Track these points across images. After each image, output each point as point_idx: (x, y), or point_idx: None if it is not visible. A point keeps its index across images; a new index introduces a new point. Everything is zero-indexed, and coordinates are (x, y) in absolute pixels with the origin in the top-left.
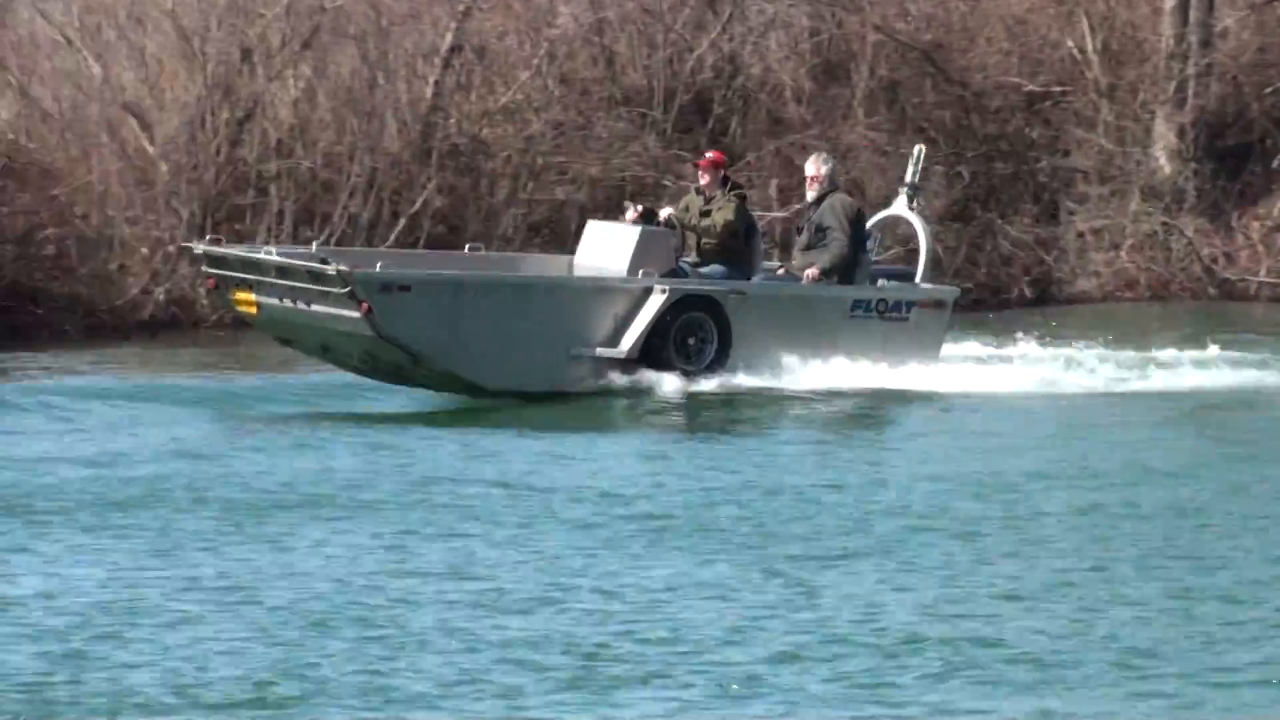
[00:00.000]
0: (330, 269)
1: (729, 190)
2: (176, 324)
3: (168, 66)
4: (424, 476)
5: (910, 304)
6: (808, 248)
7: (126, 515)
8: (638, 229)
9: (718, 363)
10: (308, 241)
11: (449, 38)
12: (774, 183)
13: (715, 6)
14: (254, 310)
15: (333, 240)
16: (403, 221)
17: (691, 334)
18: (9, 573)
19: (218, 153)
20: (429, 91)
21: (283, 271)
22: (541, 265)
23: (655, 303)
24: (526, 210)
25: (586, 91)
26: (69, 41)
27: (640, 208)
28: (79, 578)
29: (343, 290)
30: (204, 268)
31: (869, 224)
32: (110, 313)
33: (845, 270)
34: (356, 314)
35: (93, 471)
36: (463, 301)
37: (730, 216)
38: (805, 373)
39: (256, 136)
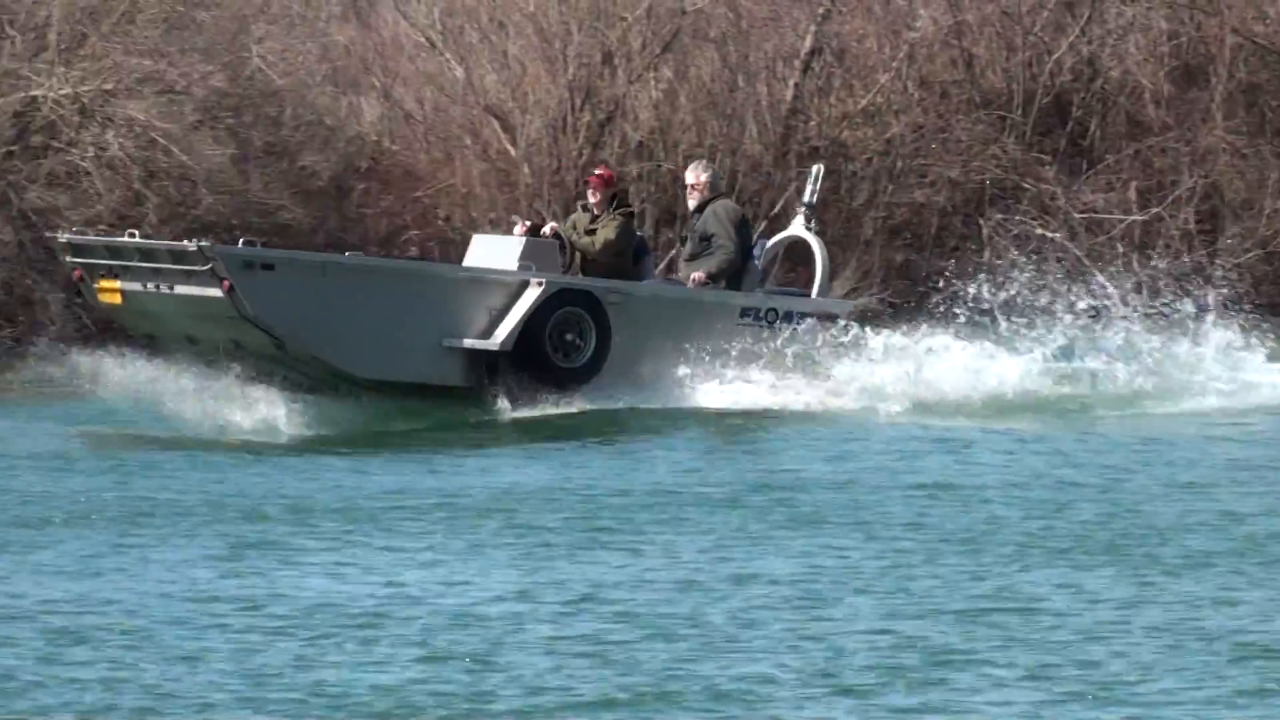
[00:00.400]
0: (190, 245)
1: (616, 209)
2: None
3: (530, 69)
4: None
5: (802, 315)
6: (693, 257)
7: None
8: (524, 239)
9: (594, 364)
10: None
11: (808, 40)
12: (1133, 185)
13: (1074, 9)
14: (118, 299)
15: None
16: (763, 224)
17: (569, 329)
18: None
19: (579, 155)
20: (789, 94)
21: (145, 254)
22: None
23: (531, 295)
24: (886, 214)
25: (945, 94)
26: (432, 45)
27: (528, 223)
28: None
29: (204, 268)
30: (68, 258)
31: (769, 244)
32: None
33: (732, 276)
34: (218, 292)
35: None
36: (330, 284)
37: (612, 236)
38: (689, 380)
39: (617, 139)
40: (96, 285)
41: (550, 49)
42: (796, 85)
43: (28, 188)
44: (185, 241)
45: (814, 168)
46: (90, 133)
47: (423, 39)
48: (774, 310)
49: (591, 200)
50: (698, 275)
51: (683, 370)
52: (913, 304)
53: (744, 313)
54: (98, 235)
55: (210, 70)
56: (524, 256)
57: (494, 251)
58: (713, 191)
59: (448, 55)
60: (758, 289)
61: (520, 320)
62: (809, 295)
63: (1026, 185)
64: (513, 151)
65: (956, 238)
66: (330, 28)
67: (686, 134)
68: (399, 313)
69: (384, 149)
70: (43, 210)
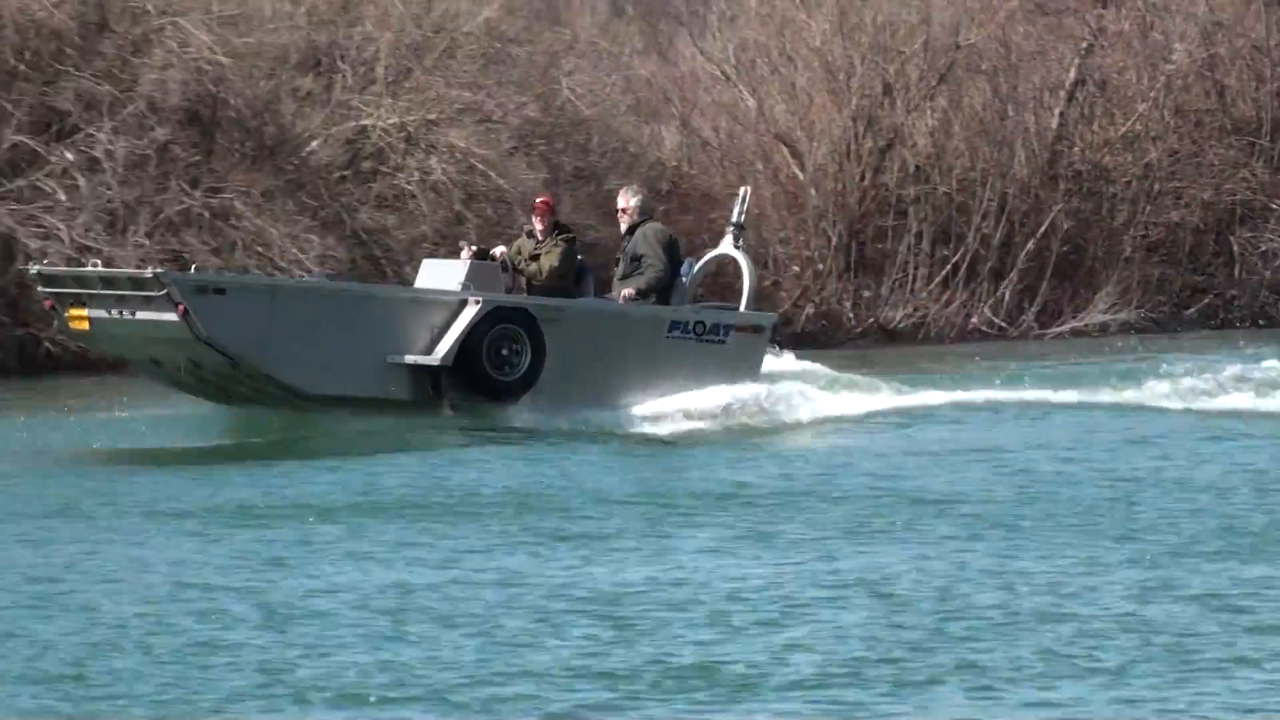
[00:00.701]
0: (147, 273)
1: (558, 235)
2: (823, 335)
3: (816, 100)
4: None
5: (729, 327)
6: (624, 276)
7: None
8: (468, 263)
9: (529, 378)
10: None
11: (1072, 72)
12: None
13: None
14: (86, 325)
15: (967, 258)
16: (1031, 243)
17: (505, 345)
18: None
19: (862, 179)
20: (1054, 122)
21: (108, 282)
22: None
23: (469, 313)
24: (1144, 232)
25: (1199, 122)
26: (726, 77)
27: (474, 247)
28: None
29: (160, 294)
30: (40, 288)
31: (699, 264)
32: None
33: (662, 293)
34: (174, 316)
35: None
36: (278, 306)
37: (555, 262)
38: (620, 391)
39: (896, 164)
40: (66, 314)
41: (835, 81)
42: (1061, 114)
43: (359, 209)
44: (142, 270)
45: (742, 190)
46: (415, 159)
47: (718, 72)
48: (701, 323)
49: (537, 227)
50: (628, 292)
51: (612, 380)
52: (1168, 316)
53: (673, 325)
54: (84, 266)
55: (524, 101)
56: (467, 278)
57: (440, 274)
58: (642, 215)
59: (741, 87)
60: (686, 304)
61: (459, 336)
62: (737, 309)
63: (1274, 205)
64: (801, 176)
65: (1209, 254)
66: (633, 62)
67: (960, 159)
68: (345, 332)
69: (683, 174)
70: (373, 230)
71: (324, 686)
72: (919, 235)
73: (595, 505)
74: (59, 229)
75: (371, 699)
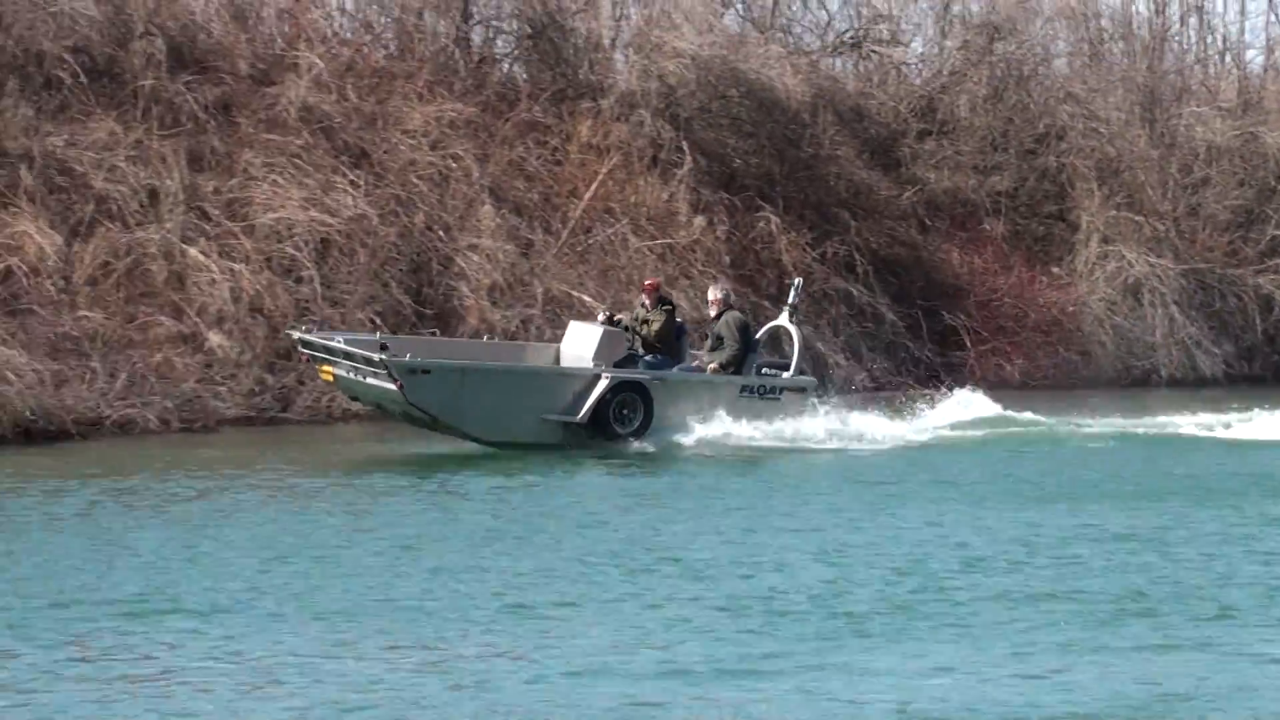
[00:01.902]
0: (375, 356)
1: (661, 307)
2: None
3: None
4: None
5: (781, 389)
6: (711, 350)
7: None
8: (601, 329)
9: (643, 428)
10: None
11: None
12: None
13: None
14: (331, 378)
15: None
16: None
17: (626, 407)
18: None
19: None
20: None
21: (347, 355)
22: (537, 350)
23: (601, 385)
24: None
25: None
26: None
27: (606, 313)
28: None
29: (384, 372)
30: (299, 348)
31: (761, 331)
32: None
33: (737, 365)
34: (393, 387)
35: None
36: (467, 381)
37: (659, 329)
38: (707, 434)
39: None
40: (318, 367)
41: None
42: None
43: None
44: (372, 354)
45: (796, 280)
46: None
47: None
48: (763, 386)
49: (645, 300)
50: (713, 365)
51: (701, 427)
52: None
53: (744, 389)
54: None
55: None
56: (600, 343)
57: (581, 335)
58: (726, 305)
59: None
60: (753, 369)
61: (594, 402)
62: (789, 372)
63: None
64: None
65: None
66: None
67: None
68: (512, 397)
69: None
70: None
71: None
72: None
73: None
74: None
75: None
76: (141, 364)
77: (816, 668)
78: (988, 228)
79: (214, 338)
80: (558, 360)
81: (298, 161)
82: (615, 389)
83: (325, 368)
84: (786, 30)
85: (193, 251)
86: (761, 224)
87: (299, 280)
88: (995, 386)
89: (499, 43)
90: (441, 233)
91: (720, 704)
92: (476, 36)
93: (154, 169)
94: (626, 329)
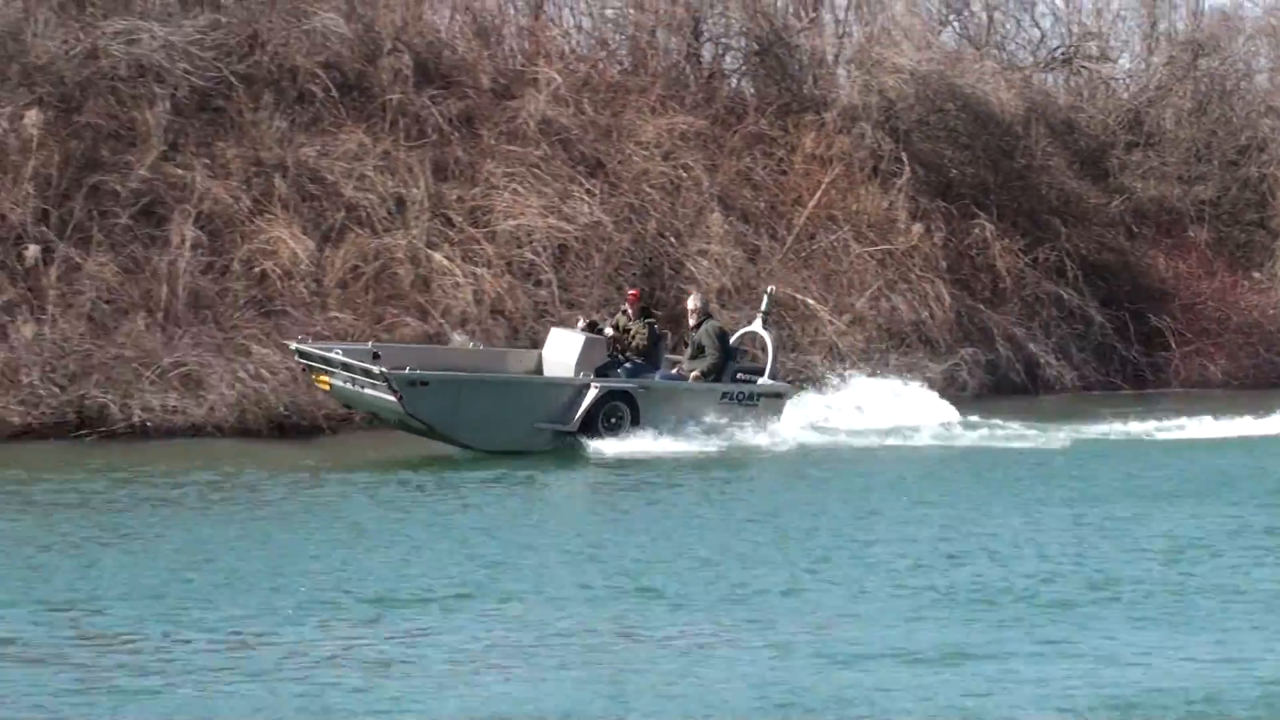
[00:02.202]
0: (375, 369)
1: (644, 320)
2: None
3: None
4: None
5: (759, 395)
6: (692, 358)
7: None
8: (583, 337)
9: (630, 432)
10: None
11: None
12: None
13: None
14: (327, 387)
15: None
16: None
17: (614, 414)
18: None
19: None
20: None
21: (346, 367)
22: (519, 356)
23: (591, 394)
24: None
25: None
26: None
27: (585, 321)
28: None
29: (384, 384)
30: (296, 359)
31: (736, 335)
32: None
33: (718, 374)
34: (393, 399)
35: None
36: (464, 392)
37: (642, 342)
38: (690, 437)
39: None
40: (315, 377)
41: None
42: None
43: None
44: (370, 366)
45: (769, 288)
46: None
47: None
48: (743, 393)
49: (630, 311)
50: (695, 374)
51: (684, 431)
52: None
53: (724, 395)
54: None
55: None
56: (582, 351)
57: (563, 343)
58: (704, 315)
59: None
60: (732, 376)
61: (585, 410)
62: (764, 377)
63: None
64: None
65: None
66: None
67: None
68: (506, 407)
69: None
70: None
71: None
72: None
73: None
74: None
75: None
76: None
77: (1061, 652)
78: (1192, 234)
79: (457, 338)
80: (540, 366)
81: (536, 171)
82: (605, 397)
83: (322, 378)
84: (1001, 47)
85: (437, 256)
86: (976, 231)
87: (537, 283)
88: (1198, 386)
89: (728, 59)
90: (672, 239)
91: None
92: (706, 53)
93: (401, 178)
94: (614, 329)
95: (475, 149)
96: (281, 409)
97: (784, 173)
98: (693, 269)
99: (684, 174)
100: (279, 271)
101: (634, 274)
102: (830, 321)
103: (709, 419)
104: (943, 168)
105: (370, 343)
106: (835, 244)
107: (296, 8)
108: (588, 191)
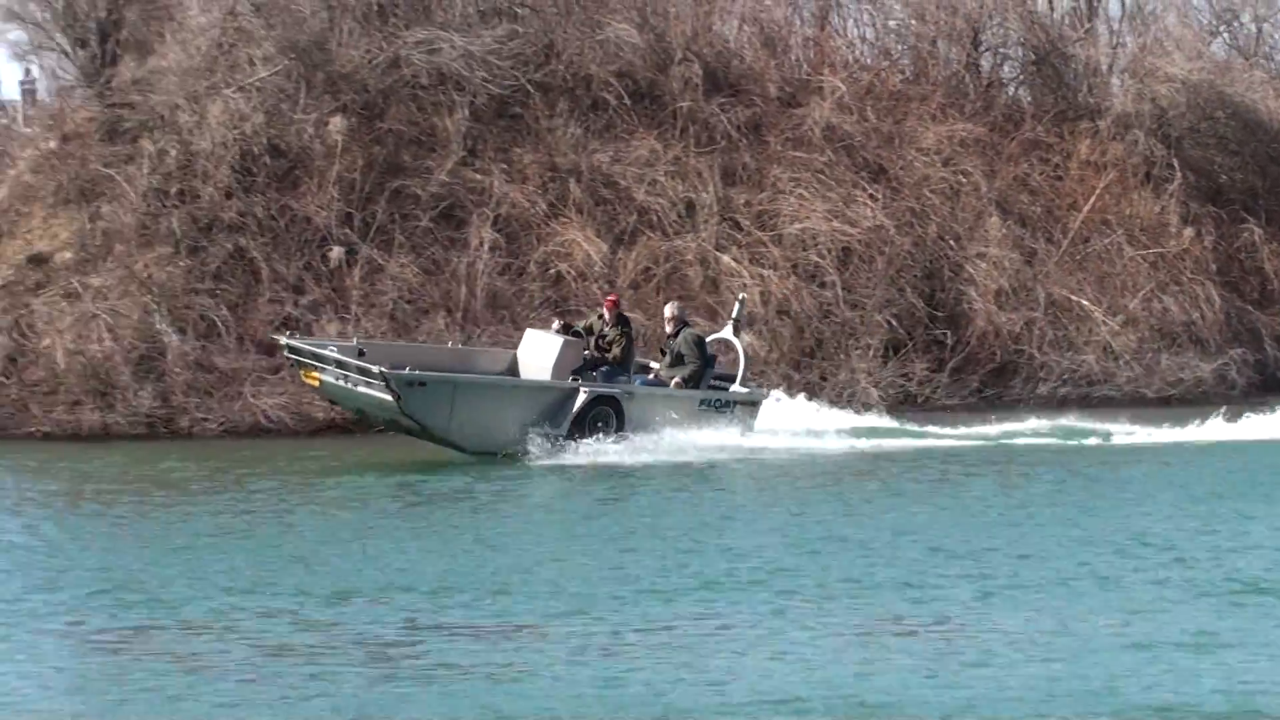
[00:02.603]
0: (374, 369)
1: (621, 327)
2: None
3: None
4: None
5: (735, 402)
6: (671, 365)
7: None
8: (561, 340)
9: (616, 434)
10: None
11: None
12: None
13: None
14: (317, 383)
15: None
16: None
17: (601, 419)
18: None
19: None
20: None
21: (340, 365)
22: (493, 356)
23: (580, 399)
24: None
25: None
26: None
27: (560, 322)
28: None
29: (382, 383)
30: (285, 354)
31: (709, 338)
32: None
33: (697, 381)
34: (390, 398)
35: None
36: (459, 394)
37: (619, 352)
38: (671, 441)
39: None
40: (302, 372)
41: None
42: None
43: None
44: (369, 365)
45: (741, 295)
46: None
47: None
48: (720, 400)
49: (606, 314)
50: (676, 380)
51: (666, 434)
52: None
53: (702, 402)
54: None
55: None
56: (560, 353)
57: (539, 345)
58: (681, 323)
59: None
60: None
61: (573, 415)
62: (736, 383)
63: None
64: None
65: None
66: None
67: None
68: (499, 410)
69: None
70: None
71: None
72: None
73: None
74: None
75: None
76: None
77: None
78: None
79: (745, 337)
80: (514, 366)
81: (821, 177)
82: (593, 402)
83: (312, 373)
84: (1269, 57)
85: (726, 258)
86: (1245, 235)
87: (822, 285)
88: None
89: (1005, 68)
90: (952, 242)
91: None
92: (985, 63)
93: (690, 183)
94: (581, 335)
95: (762, 155)
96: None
97: (1059, 178)
98: (971, 271)
99: (963, 179)
100: (573, 273)
101: (915, 276)
102: (1104, 322)
103: (688, 424)
104: (1213, 173)
105: (355, 339)
106: (1109, 247)
107: (591, 19)
108: (870, 196)
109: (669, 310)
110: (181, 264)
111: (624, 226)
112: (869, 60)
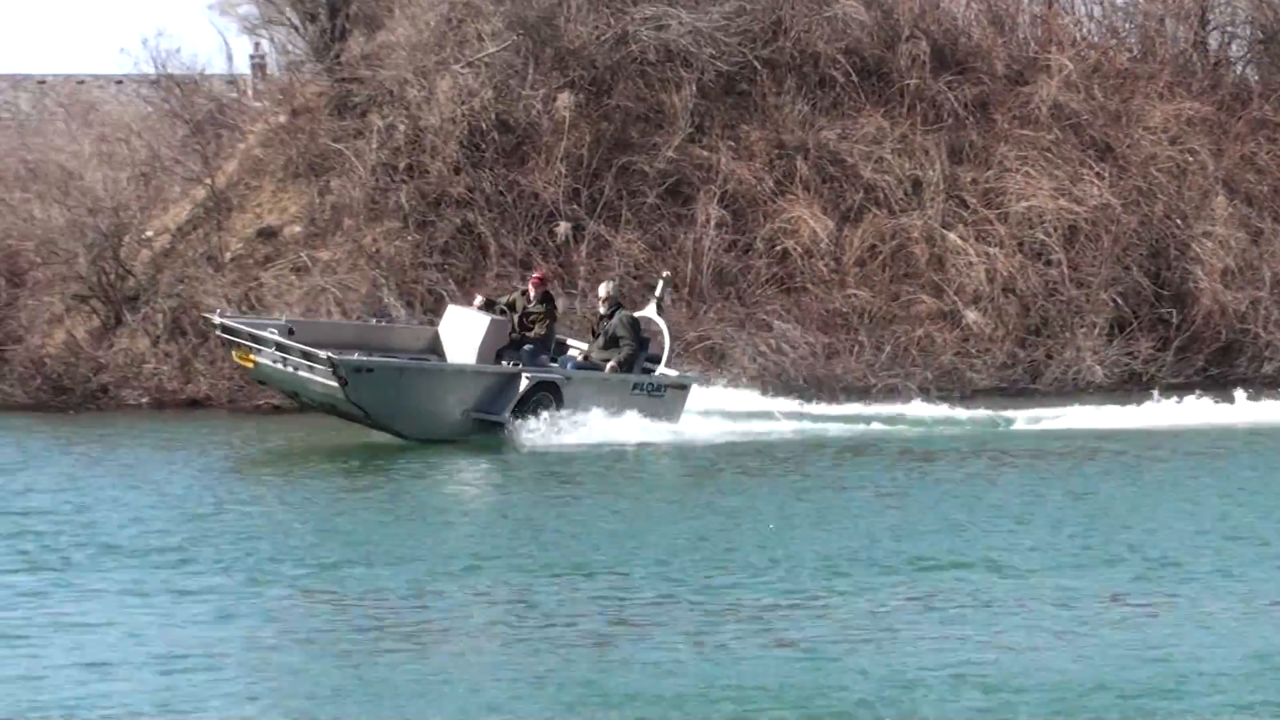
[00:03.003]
0: (321, 354)
1: (545, 304)
2: None
3: None
4: None
5: (666, 386)
6: (604, 347)
7: None
8: (489, 319)
9: (555, 414)
10: None
11: None
12: None
13: None
14: (251, 365)
15: None
16: None
17: (542, 404)
18: None
19: None
20: None
21: (281, 348)
22: (414, 333)
23: (522, 384)
24: None
25: None
26: None
27: (482, 299)
28: None
29: (328, 369)
30: (218, 333)
31: (636, 315)
32: None
33: (630, 364)
34: (335, 383)
35: None
36: (404, 380)
37: (543, 331)
38: (605, 425)
39: None
40: (235, 354)
41: None
42: None
43: None
44: (318, 351)
45: (664, 273)
46: None
47: None
48: (652, 384)
49: (531, 291)
50: (611, 365)
51: (601, 418)
52: None
53: (635, 386)
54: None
55: None
56: (488, 332)
57: (464, 322)
58: (615, 304)
59: None
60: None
61: (515, 400)
62: (660, 364)
63: None
64: None
65: None
66: None
67: None
68: (442, 396)
69: None
70: None
71: None
72: None
73: None
74: None
75: None
76: (904, 338)
77: None
78: None
79: (970, 315)
80: (434, 344)
81: (1048, 155)
82: (535, 388)
83: (247, 355)
84: None
85: (952, 236)
86: None
87: (1048, 263)
88: None
89: (1234, 47)
90: (1179, 221)
91: None
92: (1213, 41)
93: (917, 161)
94: (504, 312)
95: (989, 133)
96: (801, 381)
97: None
98: (1198, 250)
99: (1190, 158)
100: (799, 250)
101: (1141, 254)
102: None
103: (621, 409)
104: None
105: (284, 317)
106: None
107: None
108: (1097, 174)
109: (603, 289)
110: (409, 238)
111: (850, 204)
112: (1096, 38)
